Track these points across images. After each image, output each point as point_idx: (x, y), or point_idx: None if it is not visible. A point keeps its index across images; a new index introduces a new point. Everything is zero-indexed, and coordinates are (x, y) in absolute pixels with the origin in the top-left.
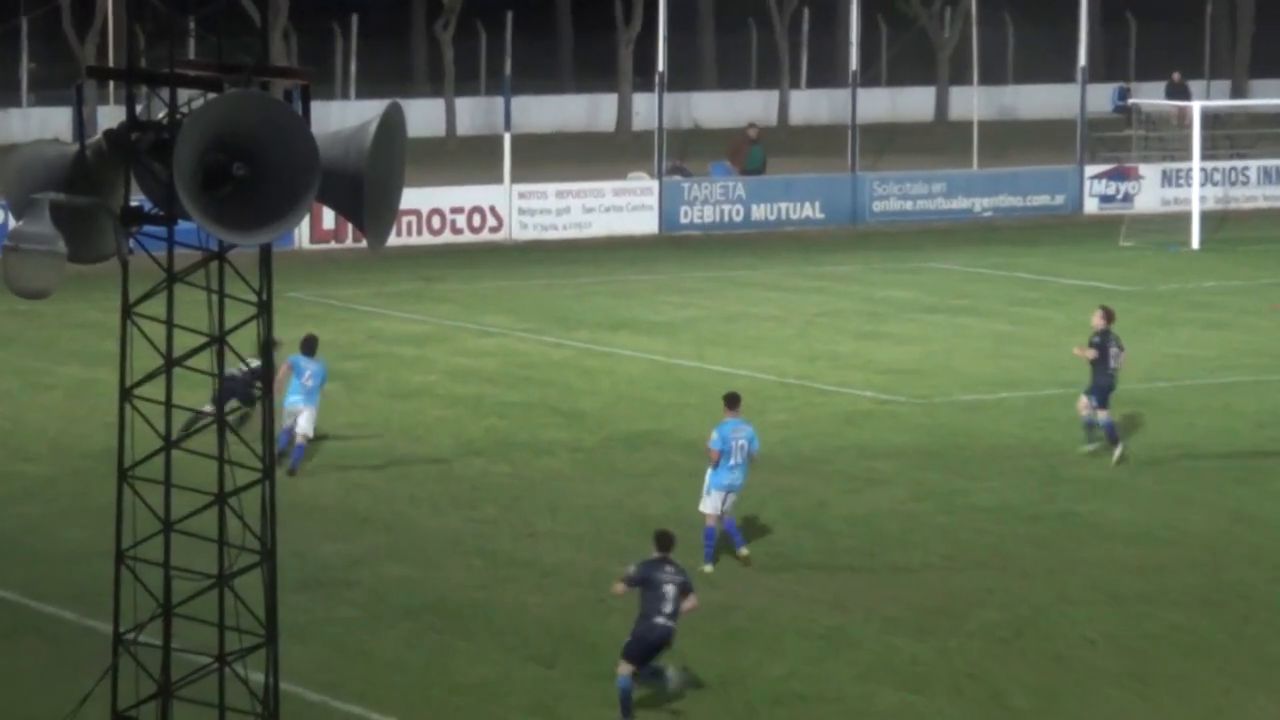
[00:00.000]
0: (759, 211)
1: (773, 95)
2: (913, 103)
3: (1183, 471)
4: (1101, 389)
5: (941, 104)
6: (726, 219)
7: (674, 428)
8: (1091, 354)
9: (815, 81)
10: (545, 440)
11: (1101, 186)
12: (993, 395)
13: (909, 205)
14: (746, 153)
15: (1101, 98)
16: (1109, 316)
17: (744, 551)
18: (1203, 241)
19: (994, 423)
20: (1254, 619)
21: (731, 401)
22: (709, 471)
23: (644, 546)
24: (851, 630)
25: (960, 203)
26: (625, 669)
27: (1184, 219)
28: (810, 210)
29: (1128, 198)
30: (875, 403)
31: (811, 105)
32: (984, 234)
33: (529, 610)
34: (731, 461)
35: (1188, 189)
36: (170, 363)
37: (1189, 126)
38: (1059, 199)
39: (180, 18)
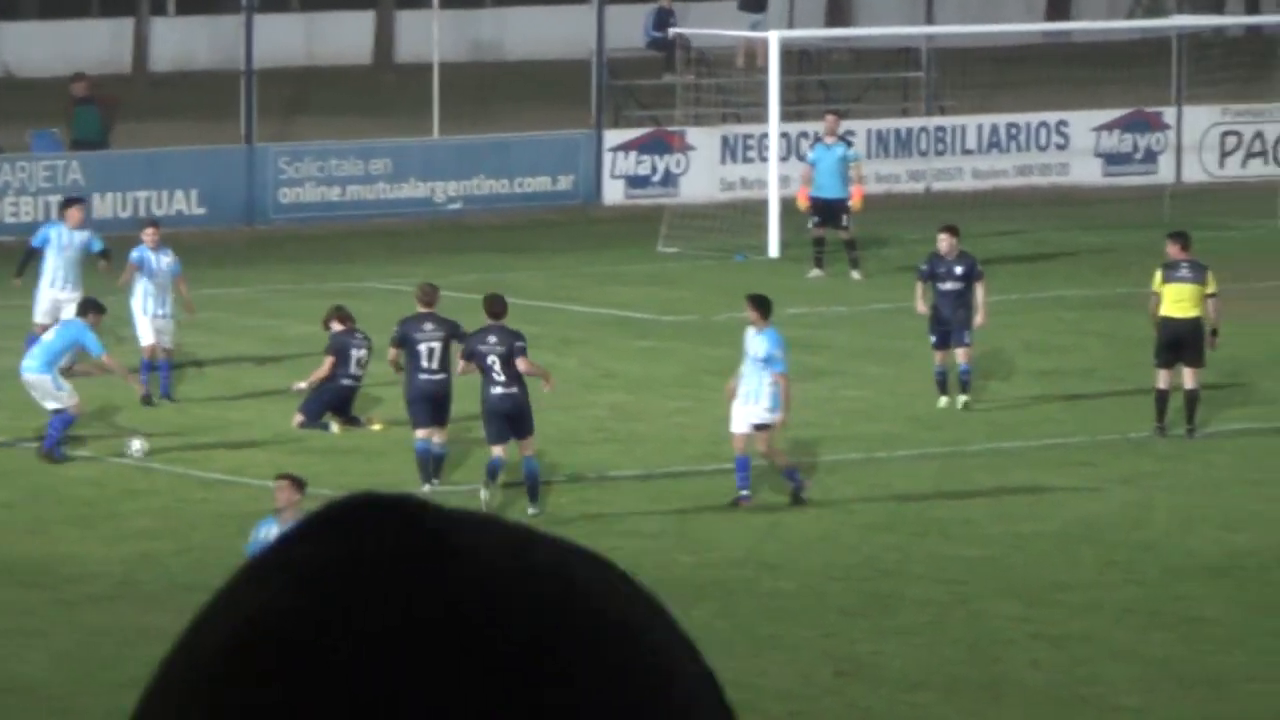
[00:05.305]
0: (104, 206)
1: (125, 26)
2: (340, 36)
3: (765, 605)
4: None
5: (385, 38)
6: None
7: None
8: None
9: (189, 6)
10: None
11: (630, 163)
12: (469, 484)
13: (336, 194)
14: (73, 115)
15: (630, 26)
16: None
17: None
18: (785, 245)
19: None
20: None
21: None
22: None
23: None
24: None
25: (415, 189)
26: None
27: (756, 211)
28: (184, 203)
29: (670, 179)
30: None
31: (185, 42)
32: (452, 236)
33: None
34: None
35: (761, 165)
36: None
37: (763, 69)
38: (565, 182)
39: None
